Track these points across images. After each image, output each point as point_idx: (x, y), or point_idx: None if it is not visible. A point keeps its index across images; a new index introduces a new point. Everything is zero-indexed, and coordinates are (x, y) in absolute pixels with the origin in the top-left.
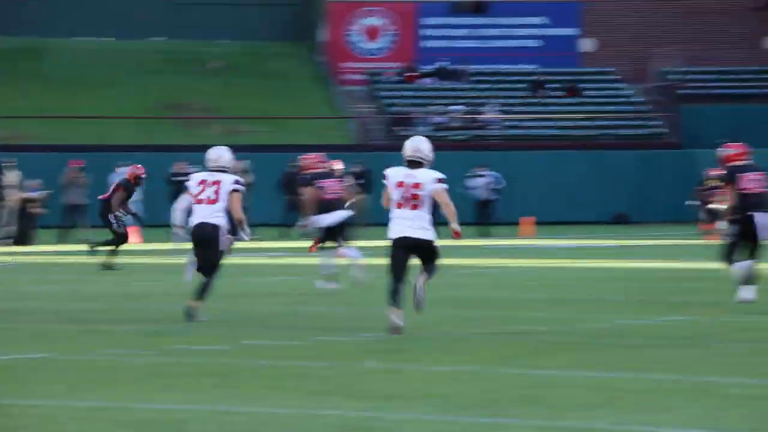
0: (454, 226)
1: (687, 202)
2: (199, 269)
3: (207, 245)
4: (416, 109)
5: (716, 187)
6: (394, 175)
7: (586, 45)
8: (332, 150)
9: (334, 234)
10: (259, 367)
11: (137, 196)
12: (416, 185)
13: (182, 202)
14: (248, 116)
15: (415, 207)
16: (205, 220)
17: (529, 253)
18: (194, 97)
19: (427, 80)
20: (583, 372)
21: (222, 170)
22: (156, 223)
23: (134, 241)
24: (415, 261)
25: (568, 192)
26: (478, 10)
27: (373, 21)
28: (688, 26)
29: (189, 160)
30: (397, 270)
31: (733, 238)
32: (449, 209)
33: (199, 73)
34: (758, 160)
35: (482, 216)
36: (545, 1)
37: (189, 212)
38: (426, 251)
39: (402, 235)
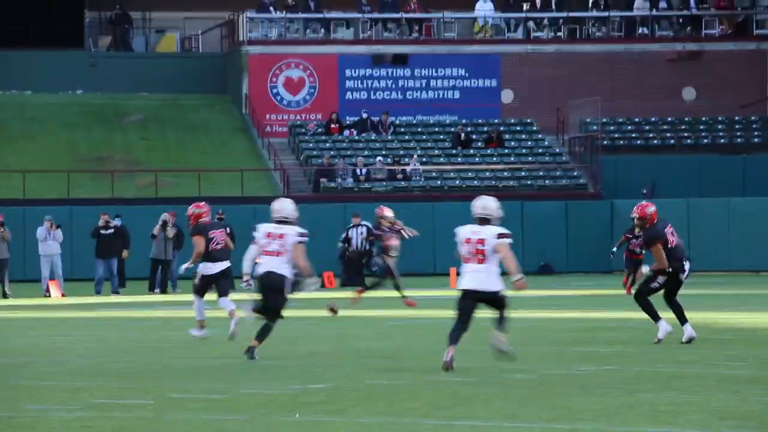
0: (516, 278)
1: (613, 250)
2: (264, 312)
3: (273, 293)
4: (339, 160)
5: (640, 236)
6: (463, 232)
7: (505, 96)
8: (257, 201)
9: (214, 284)
10: (182, 420)
11: (56, 248)
12: (480, 241)
13: (251, 252)
14: (171, 169)
15: (481, 261)
16: (273, 270)
17: (449, 303)
18: (115, 150)
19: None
20: (510, 422)
21: (285, 221)
22: (79, 276)
23: (55, 295)
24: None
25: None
26: (398, 62)
27: (295, 73)
28: (606, 77)
29: (113, 212)
30: (464, 317)
31: (658, 287)
32: (510, 263)
33: (119, 126)
34: (676, 210)
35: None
36: (464, 54)
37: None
38: (493, 301)
39: (470, 288)
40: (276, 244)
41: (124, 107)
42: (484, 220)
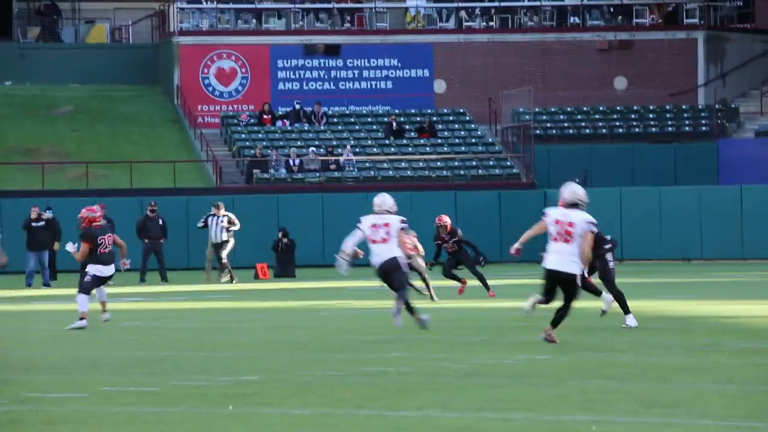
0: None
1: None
2: (394, 288)
3: (392, 274)
4: (272, 151)
5: None
6: (553, 213)
7: (438, 86)
8: (190, 193)
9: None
10: (114, 414)
11: None
12: (570, 224)
13: (354, 237)
14: (102, 161)
15: (567, 242)
16: (385, 257)
17: (381, 294)
18: (46, 142)
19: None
20: (442, 413)
21: (387, 212)
22: (10, 270)
23: None
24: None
25: (425, 232)
26: (330, 52)
27: (227, 64)
28: (538, 66)
29: (43, 205)
30: (547, 295)
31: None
32: (584, 253)
33: (49, 117)
34: (609, 198)
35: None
36: (396, 44)
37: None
38: (567, 285)
39: (552, 268)
40: (382, 231)
41: (54, 99)
42: (573, 205)
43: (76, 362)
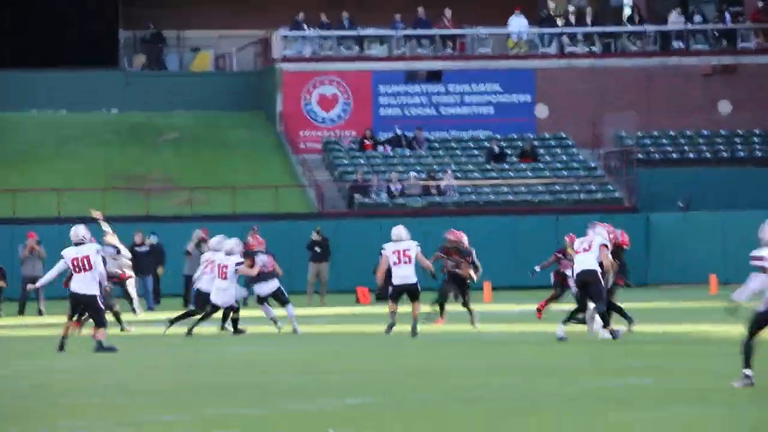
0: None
1: (535, 269)
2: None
3: (589, 285)
4: (373, 176)
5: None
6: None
7: (540, 111)
8: (292, 218)
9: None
10: None
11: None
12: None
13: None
14: (206, 186)
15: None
16: (586, 268)
17: (488, 318)
18: (150, 168)
19: (385, 147)
20: None
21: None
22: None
23: None
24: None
25: (527, 257)
26: (432, 77)
27: (329, 90)
28: (642, 91)
29: (148, 230)
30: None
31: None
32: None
33: (154, 144)
34: (712, 223)
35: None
36: (497, 69)
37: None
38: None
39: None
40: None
41: (159, 126)
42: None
43: (182, 386)
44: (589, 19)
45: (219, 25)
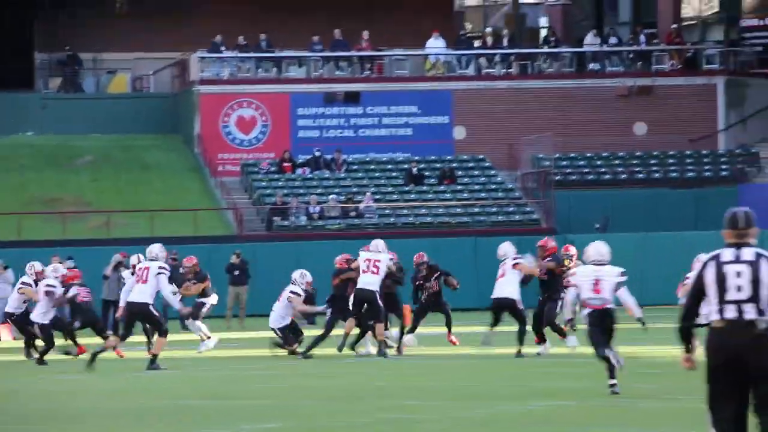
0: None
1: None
2: None
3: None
4: (292, 199)
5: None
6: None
7: (458, 133)
8: (211, 241)
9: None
10: None
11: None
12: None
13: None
14: (123, 209)
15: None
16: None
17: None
18: (67, 191)
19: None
20: None
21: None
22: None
23: (6, 338)
24: None
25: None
26: (350, 99)
27: (247, 112)
28: (558, 112)
29: (64, 254)
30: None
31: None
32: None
33: (70, 167)
34: (630, 244)
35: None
36: (415, 91)
37: None
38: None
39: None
40: (372, 266)
41: (76, 149)
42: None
43: (97, 412)
44: (505, 41)
45: (136, 48)
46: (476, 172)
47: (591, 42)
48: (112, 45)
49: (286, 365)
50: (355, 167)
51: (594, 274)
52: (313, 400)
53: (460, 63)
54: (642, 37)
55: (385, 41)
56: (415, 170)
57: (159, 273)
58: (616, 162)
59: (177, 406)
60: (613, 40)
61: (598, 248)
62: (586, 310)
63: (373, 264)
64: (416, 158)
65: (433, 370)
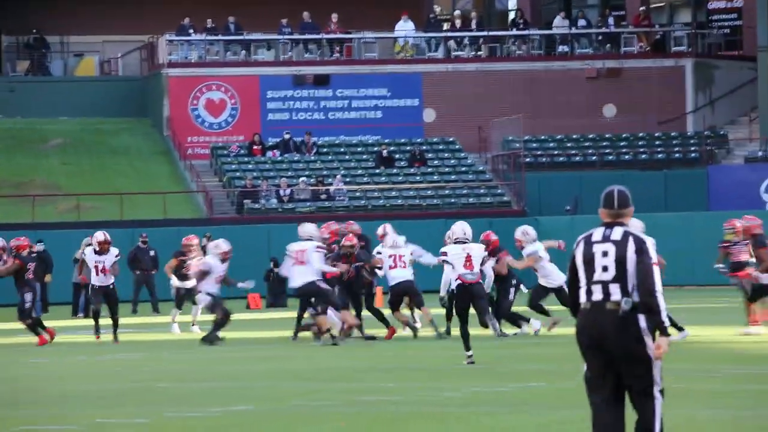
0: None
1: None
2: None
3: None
4: (262, 181)
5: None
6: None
7: (428, 115)
8: (181, 224)
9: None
10: None
11: None
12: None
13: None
14: (93, 192)
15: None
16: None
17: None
18: (36, 175)
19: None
20: None
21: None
22: (2, 302)
23: None
24: None
25: (416, 262)
26: (320, 82)
27: (216, 95)
28: (528, 95)
29: (34, 237)
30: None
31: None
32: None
33: (39, 150)
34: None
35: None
36: (385, 74)
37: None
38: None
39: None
40: (399, 260)
41: (44, 132)
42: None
43: (67, 395)
44: (474, 24)
45: (103, 30)
46: (446, 155)
47: (559, 24)
48: (80, 28)
49: (262, 348)
50: (325, 150)
51: (464, 251)
52: (289, 383)
53: (430, 46)
54: (610, 20)
55: (354, 24)
56: (385, 153)
57: (316, 251)
58: (586, 144)
59: (147, 389)
60: (581, 22)
61: (463, 227)
62: (456, 283)
63: (399, 258)
64: (386, 141)
65: (409, 353)
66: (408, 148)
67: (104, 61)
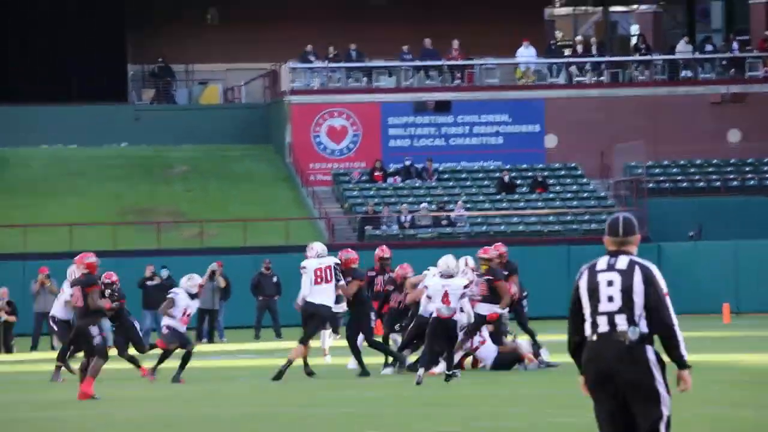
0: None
1: None
2: None
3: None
4: (384, 207)
5: None
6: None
7: (549, 141)
8: (303, 250)
9: None
10: None
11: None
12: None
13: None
14: (216, 219)
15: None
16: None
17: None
18: (161, 201)
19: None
20: None
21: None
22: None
23: None
24: None
25: (538, 287)
26: (441, 108)
27: (338, 122)
28: (650, 120)
29: (158, 264)
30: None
31: None
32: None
33: (163, 177)
34: (724, 252)
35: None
36: (506, 99)
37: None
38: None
39: None
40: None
41: (168, 159)
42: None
43: (189, 419)
44: (595, 49)
45: (227, 59)
46: (568, 180)
47: (683, 49)
48: (204, 56)
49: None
50: (446, 176)
51: (442, 287)
52: (414, 409)
53: (551, 71)
54: (735, 44)
55: (475, 50)
56: (506, 178)
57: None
58: (710, 169)
59: (268, 414)
60: (707, 47)
61: (447, 261)
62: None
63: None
64: (507, 167)
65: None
66: (529, 173)
67: (228, 88)
